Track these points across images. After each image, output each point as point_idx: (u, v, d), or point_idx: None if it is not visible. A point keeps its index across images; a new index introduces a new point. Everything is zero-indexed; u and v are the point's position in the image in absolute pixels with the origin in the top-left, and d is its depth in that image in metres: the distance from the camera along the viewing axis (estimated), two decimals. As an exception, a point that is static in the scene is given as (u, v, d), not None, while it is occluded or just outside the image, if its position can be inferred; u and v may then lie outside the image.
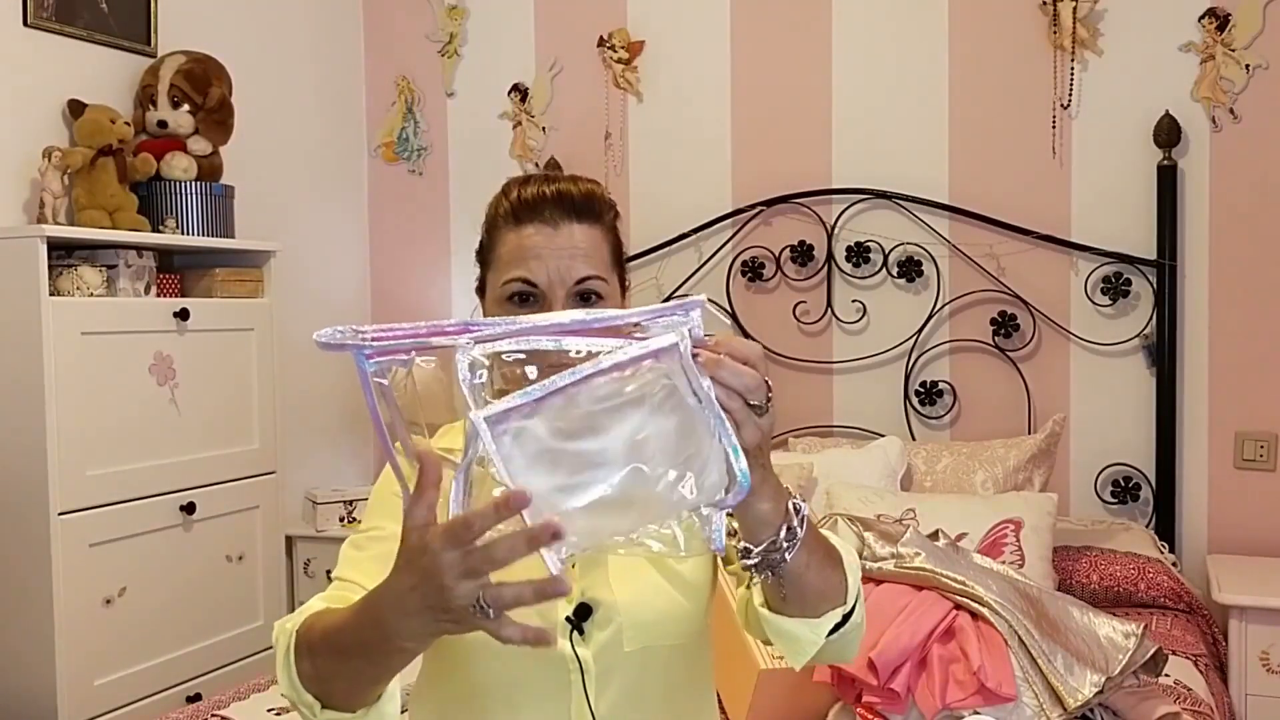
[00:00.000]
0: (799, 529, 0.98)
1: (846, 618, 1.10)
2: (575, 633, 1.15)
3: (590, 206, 1.19)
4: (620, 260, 1.24)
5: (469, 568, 0.82)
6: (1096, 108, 3.05)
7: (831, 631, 1.09)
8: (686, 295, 0.93)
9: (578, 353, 0.84)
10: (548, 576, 0.80)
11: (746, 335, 3.35)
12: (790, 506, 0.98)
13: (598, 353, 0.83)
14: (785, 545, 0.97)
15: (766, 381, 0.90)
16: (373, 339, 0.85)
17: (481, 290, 1.24)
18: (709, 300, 0.88)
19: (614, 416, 0.82)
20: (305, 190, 3.66)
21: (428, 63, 3.79)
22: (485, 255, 1.23)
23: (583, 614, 1.15)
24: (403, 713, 1.06)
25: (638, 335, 0.87)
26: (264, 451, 3.06)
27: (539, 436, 0.81)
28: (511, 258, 1.17)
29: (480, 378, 0.83)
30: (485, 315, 1.22)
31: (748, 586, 1.15)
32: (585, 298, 1.17)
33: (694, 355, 0.85)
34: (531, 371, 0.84)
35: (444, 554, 0.82)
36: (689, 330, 0.85)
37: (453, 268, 3.78)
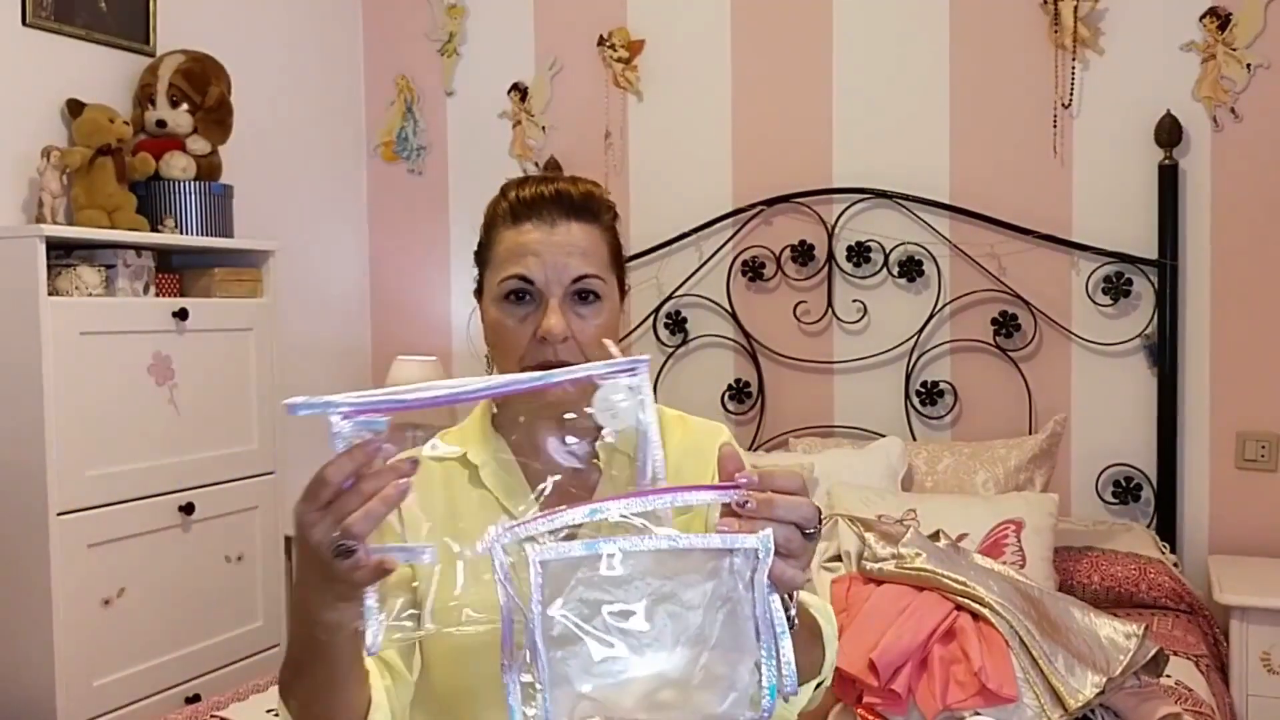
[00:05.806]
0: (795, 619, 0.92)
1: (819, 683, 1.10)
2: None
3: (588, 206, 1.20)
4: (619, 261, 1.25)
5: (321, 503, 0.83)
6: (1097, 107, 3.04)
7: None
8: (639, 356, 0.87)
9: (622, 517, 0.79)
10: (402, 460, 0.81)
11: (746, 335, 3.35)
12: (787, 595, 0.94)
13: (644, 522, 0.78)
14: None
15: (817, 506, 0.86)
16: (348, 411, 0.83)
17: (479, 292, 1.24)
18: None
19: (664, 594, 0.78)
20: (305, 190, 3.66)
21: (427, 62, 3.79)
22: (483, 256, 1.24)
23: None
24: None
25: (598, 378, 0.84)
26: (263, 451, 3.05)
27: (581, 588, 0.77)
28: (509, 255, 1.18)
29: (510, 567, 0.78)
30: (484, 315, 1.22)
31: None
32: (583, 296, 1.17)
33: (744, 502, 0.81)
34: (577, 548, 0.77)
35: (304, 509, 0.84)
36: (764, 530, 0.80)
37: (452, 267, 3.78)
